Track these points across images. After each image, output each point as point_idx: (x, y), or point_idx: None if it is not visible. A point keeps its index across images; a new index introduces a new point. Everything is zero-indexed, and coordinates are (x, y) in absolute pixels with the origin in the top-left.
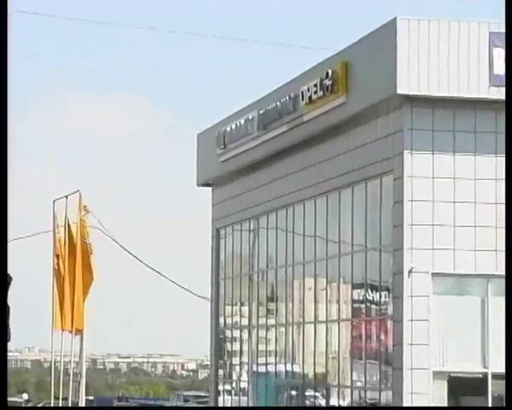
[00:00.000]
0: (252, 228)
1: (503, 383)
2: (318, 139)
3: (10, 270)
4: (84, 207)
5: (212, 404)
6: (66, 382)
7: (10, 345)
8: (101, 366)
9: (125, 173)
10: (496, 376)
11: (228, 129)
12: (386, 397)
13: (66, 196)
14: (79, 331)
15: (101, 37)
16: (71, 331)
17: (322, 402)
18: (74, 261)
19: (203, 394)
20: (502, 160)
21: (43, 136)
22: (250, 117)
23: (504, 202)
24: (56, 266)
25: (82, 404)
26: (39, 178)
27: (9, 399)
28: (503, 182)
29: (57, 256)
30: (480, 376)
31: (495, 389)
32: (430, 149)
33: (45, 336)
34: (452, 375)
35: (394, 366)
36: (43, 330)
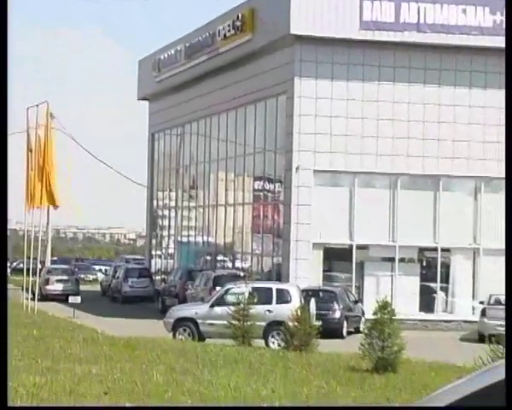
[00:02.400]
0: (179, 133)
1: (363, 252)
2: (230, 67)
3: None
4: (51, 113)
5: (146, 265)
6: (36, 246)
7: None
8: (63, 235)
9: (86, 90)
10: (358, 246)
11: (162, 57)
12: (277, 261)
13: (37, 105)
14: (48, 207)
15: None
16: (47, 208)
17: (230, 264)
18: (43, 154)
19: (140, 257)
20: (368, 85)
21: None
22: (178, 48)
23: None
24: (29, 158)
25: (48, 263)
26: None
27: None
28: (369, 102)
29: (30, 150)
30: (347, 247)
31: (358, 257)
32: (314, 76)
33: (20, 210)
34: (327, 246)
35: (284, 239)
36: (20, 206)
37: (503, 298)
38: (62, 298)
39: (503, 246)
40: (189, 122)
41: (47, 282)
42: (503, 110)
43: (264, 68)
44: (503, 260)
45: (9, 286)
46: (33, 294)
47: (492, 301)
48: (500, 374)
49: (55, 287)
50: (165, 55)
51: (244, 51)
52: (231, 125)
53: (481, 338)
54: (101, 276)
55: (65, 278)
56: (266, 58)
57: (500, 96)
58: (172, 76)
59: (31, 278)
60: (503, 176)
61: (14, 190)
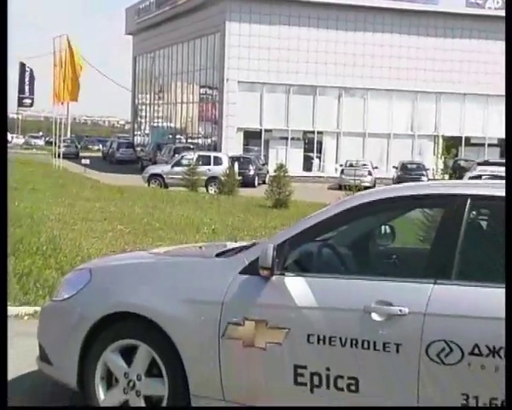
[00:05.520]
0: (152, 56)
1: (268, 133)
2: (185, 14)
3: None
4: (69, 41)
5: (131, 140)
6: (60, 128)
7: (33, 108)
8: (78, 121)
9: (95, 27)
10: (265, 130)
11: (141, 6)
12: (214, 139)
13: (60, 36)
14: (71, 101)
15: None
16: (65, 102)
17: (184, 141)
18: (64, 68)
19: (127, 135)
20: (273, 27)
21: None
22: (152, 1)
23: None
24: (54, 70)
25: (68, 136)
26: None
27: (34, 140)
28: (274, 38)
29: (55, 65)
30: (258, 130)
31: (265, 136)
32: (238, 21)
33: (50, 105)
34: (245, 129)
35: (219, 125)
36: (49, 102)
37: (354, 162)
38: (71, 157)
39: (355, 130)
40: (158, 49)
41: (58, 146)
42: (358, 45)
43: (207, 15)
44: (356, 139)
45: (44, 152)
46: (59, 156)
47: (348, 164)
48: (345, 205)
49: (62, 149)
50: (143, 5)
51: (194, 4)
52: (185, 51)
53: (340, 187)
54: (101, 147)
55: (69, 144)
56: (208, 9)
57: (358, 35)
58: (147, 19)
59: (57, 148)
60: (357, 86)
61: (47, 91)
